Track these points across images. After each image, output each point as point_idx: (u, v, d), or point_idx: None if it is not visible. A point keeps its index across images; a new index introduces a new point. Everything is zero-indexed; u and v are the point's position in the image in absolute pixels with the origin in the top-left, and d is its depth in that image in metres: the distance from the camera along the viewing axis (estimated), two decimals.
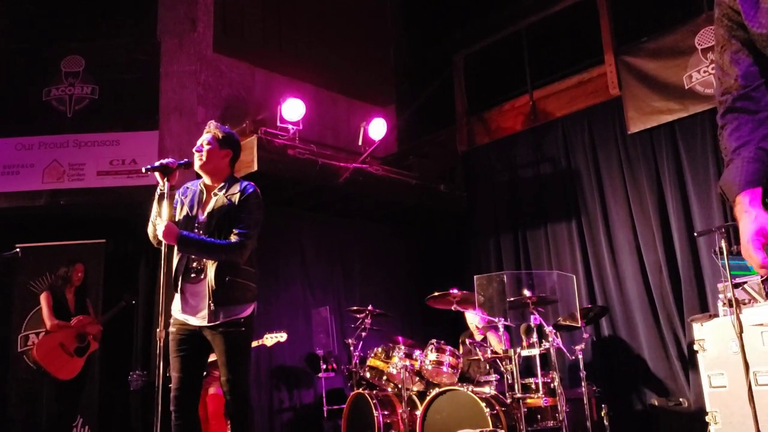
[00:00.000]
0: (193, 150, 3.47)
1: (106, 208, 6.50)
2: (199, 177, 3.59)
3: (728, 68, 1.64)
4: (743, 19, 1.58)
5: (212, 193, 3.49)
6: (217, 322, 3.30)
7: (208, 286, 3.31)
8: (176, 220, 3.43)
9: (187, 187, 3.60)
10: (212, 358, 3.57)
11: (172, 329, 3.38)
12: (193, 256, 3.39)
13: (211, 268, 3.33)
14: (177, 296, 3.41)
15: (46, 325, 5.50)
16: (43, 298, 5.54)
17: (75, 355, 5.44)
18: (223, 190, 3.47)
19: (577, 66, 6.96)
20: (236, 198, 3.42)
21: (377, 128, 6.78)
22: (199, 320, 3.32)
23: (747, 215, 1.53)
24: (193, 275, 3.38)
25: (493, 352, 5.12)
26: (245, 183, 3.52)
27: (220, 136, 3.49)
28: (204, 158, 3.45)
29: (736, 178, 1.58)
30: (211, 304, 3.28)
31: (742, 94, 1.61)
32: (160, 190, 3.26)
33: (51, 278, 6.00)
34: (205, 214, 3.43)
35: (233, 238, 3.33)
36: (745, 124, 1.60)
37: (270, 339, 5.37)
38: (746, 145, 1.59)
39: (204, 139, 3.50)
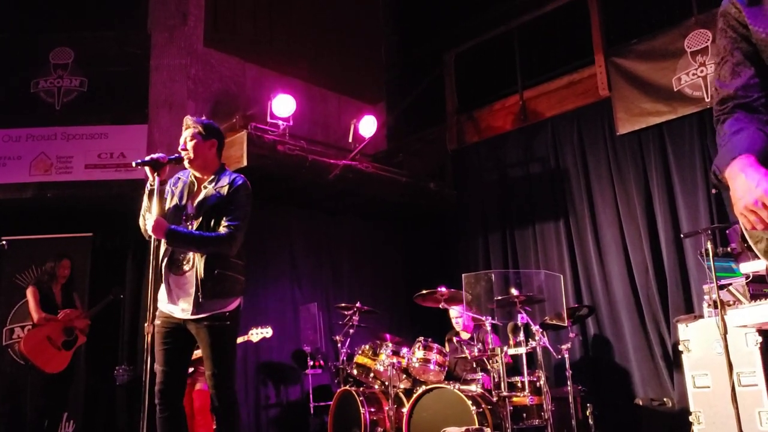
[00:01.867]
0: (179, 150, 3.45)
1: (94, 201, 6.46)
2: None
3: (728, 79, 1.63)
4: (749, 31, 1.57)
5: (202, 186, 3.48)
6: (202, 315, 3.28)
7: (197, 277, 3.29)
8: (165, 209, 3.42)
9: (179, 177, 3.58)
10: (199, 353, 3.56)
11: (157, 322, 3.36)
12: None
13: (200, 260, 3.31)
14: (162, 288, 3.40)
15: (33, 319, 5.45)
16: (29, 293, 5.50)
17: (62, 348, 5.41)
18: (213, 183, 3.46)
19: (567, 66, 6.98)
20: (225, 190, 3.42)
21: (367, 125, 6.79)
22: (184, 313, 3.31)
23: (750, 170, 1.41)
24: (179, 266, 3.37)
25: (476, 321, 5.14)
26: (234, 175, 3.52)
27: (201, 129, 3.46)
28: (192, 155, 3.43)
29: (734, 150, 1.50)
30: (200, 296, 3.27)
31: (741, 103, 1.60)
32: (150, 185, 3.25)
33: (37, 272, 5.96)
34: (194, 205, 3.43)
35: (223, 230, 3.32)
36: (744, 117, 1.58)
37: (256, 335, 5.34)
38: (744, 129, 1.56)
39: (186, 135, 3.46)
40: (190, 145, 3.43)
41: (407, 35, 9.01)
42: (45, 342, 5.35)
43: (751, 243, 1.55)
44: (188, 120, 3.52)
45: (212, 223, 3.36)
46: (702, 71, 5.80)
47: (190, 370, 4.79)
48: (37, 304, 5.44)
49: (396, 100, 8.70)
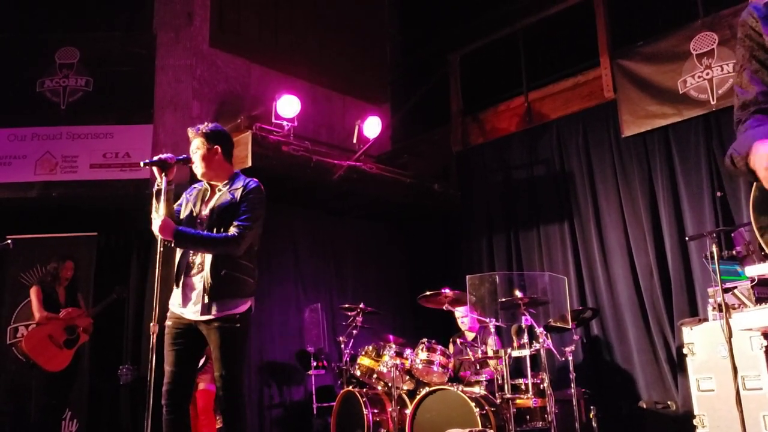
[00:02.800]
0: (189, 166, 3.50)
1: (99, 200, 6.47)
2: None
3: (747, 86, 1.68)
4: (765, 40, 1.63)
5: (216, 189, 3.51)
6: (211, 317, 3.29)
7: (204, 278, 3.31)
8: (181, 218, 3.46)
9: (194, 187, 3.62)
10: None
11: (168, 323, 3.39)
12: (193, 252, 3.40)
13: (207, 260, 3.33)
14: (176, 290, 3.42)
15: (35, 317, 5.47)
16: (32, 292, 5.52)
17: (64, 347, 5.42)
18: (227, 186, 3.49)
19: (572, 68, 6.97)
20: (238, 193, 3.44)
21: (372, 126, 6.79)
22: (194, 314, 3.32)
23: None
24: (191, 268, 3.40)
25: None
26: (248, 179, 3.53)
27: (203, 138, 3.49)
28: (202, 169, 3.48)
29: (755, 136, 1.57)
30: (206, 297, 3.28)
31: (762, 108, 1.65)
32: (158, 185, 3.27)
33: (42, 271, 5.97)
34: (208, 209, 3.45)
35: (231, 231, 3.33)
36: (765, 118, 1.64)
37: None
38: (765, 124, 1.62)
39: (192, 148, 3.51)
40: (196, 158, 3.47)
41: (412, 36, 9.01)
42: (46, 340, 5.35)
43: (762, 242, 1.59)
44: (190, 132, 3.54)
45: (224, 225, 3.37)
46: (708, 74, 5.78)
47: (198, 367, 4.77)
48: (40, 303, 5.46)
49: (400, 101, 8.70)
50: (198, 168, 3.49)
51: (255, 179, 3.55)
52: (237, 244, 3.33)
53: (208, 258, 3.33)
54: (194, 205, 3.49)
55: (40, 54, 6.69)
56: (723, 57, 5.70)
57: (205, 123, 3.63)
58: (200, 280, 3.34)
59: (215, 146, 3.49)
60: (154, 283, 3.20)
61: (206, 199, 3.51)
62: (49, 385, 5.43)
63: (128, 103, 6.65)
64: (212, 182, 3.54)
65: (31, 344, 5.30)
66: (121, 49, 6.77)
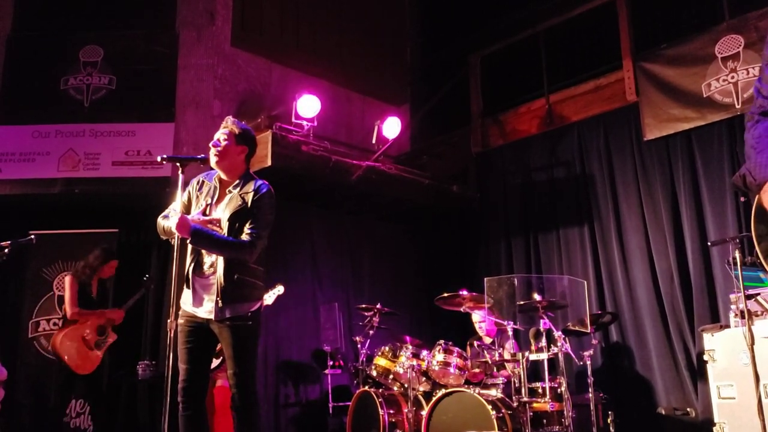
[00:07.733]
0: (210, 145, 3.46)
1: (120, 197, 6.54)
2: (212, 170, 3.59)
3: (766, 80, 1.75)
4: None
5: (227, 190, 3.47)
6: (224, 317, 3.31)
7: (217, 282, 3.32)
8: (193, 213, 3.44)
9: (202, 182, 3.57)
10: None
11: (180, 321, 3.39)
12: (204, 251, 3.40)
13: (220, 264, 3.33)
14: (187, 289, 3.43)
15: (66, 312, 5.33)
16: (68, 283, 5.41)
17: (95, 348, 5.39)
18: (238, 188, 3.45)
19: (594, 71, 6.92)
20: (250, 197, 3.41)
21: (391, 127, 6.79)
22: (208, 314, 3.34)
23: None
24: (203, 269, 3.40)
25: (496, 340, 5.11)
26: (260, 182, 3.49)
27: (237, 132, 3.47)
28: (220, 154, 3.44)
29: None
30: (219, 301, 3.29)
31: None
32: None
33: (66, 266, 6.00)
34: (219, 212, 3.43)
35: (244, 237, 3.32)
36: None
37: (270, 297, 5.20)
38: None
39: (220, 134, 3.47)
40: (222, 144, 3.44)
41: (433, 37, 8.99)
42: (80, 343, 5.28)
43: (758, 250, 1.63)
44: (228, 120, 3.54)
45: (236, 227, 3.36)
46: (733, 77, 5.71)
47: (215, 363, 4.80)
48: (74, 296, 5.38)
49: (420, 102, 8.69)
50: (216, 155, 3.43)
51: (266, 182, 3.51)
52: (250, 252, 3.33)
53: (221, 260, 3.33)
54: (204, 203, 3.46)
55: (65, 52, 6.78)
56: (749, 60, 5.62)
57: (243, 119, 3.64)
58: (213, 282, 3.34)
59: (244, 146, 3.49)
60: (173, 279, 3.21)
61: (216, 199, 3.47)
62: (71, 379, 5.42)
63: (150, 102, 6.71)
64: (223, 177, 3.50)
65: (65, 347, 5.23)
66: (143, 48, 6.84)
